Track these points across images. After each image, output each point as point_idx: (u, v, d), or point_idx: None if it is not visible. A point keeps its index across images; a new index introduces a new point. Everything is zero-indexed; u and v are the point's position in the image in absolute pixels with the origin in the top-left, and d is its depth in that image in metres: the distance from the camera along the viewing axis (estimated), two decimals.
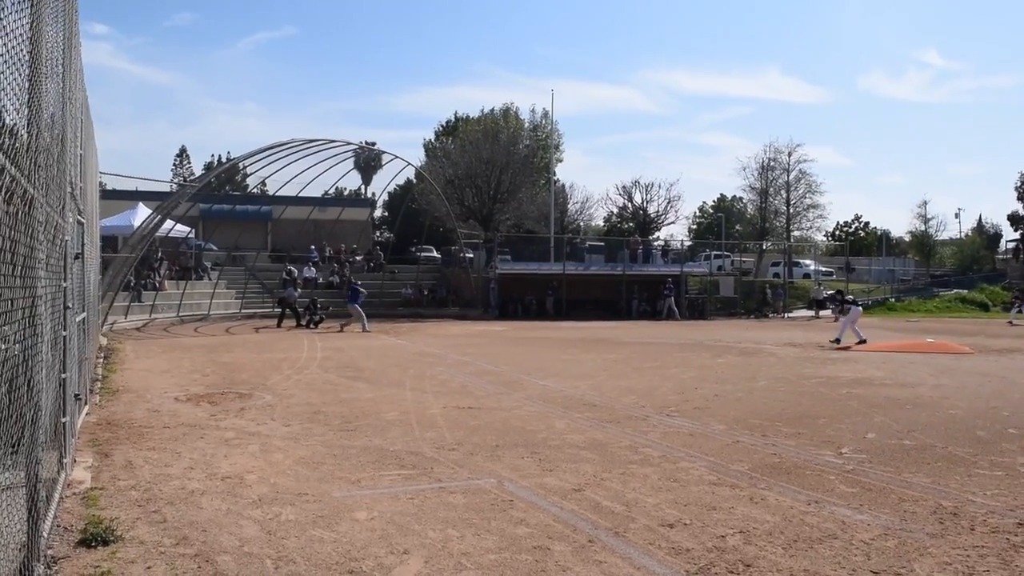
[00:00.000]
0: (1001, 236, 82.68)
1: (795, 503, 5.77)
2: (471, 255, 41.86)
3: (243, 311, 33.60)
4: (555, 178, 59.17)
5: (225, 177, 44.74)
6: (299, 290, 31.29)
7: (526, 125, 66.06)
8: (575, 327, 29.49)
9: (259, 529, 5.09)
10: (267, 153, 30.35)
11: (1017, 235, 73.92)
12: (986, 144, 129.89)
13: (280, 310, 28.98)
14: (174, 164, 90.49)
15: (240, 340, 21.86)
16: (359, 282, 29.42)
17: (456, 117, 70.98)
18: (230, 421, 9.07)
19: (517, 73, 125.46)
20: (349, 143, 35.46)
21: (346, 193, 77.28)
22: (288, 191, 36.66)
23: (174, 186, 59.89)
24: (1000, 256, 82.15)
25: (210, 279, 35.09)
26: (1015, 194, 72.44)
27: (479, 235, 45.73)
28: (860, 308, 23.06)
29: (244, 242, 40.53)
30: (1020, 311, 35.76)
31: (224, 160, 72.66)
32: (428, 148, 67.71)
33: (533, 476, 6.51)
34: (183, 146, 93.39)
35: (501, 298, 38.08)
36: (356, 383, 12.57)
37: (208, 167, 77.85)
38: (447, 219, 44.26)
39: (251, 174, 42.23)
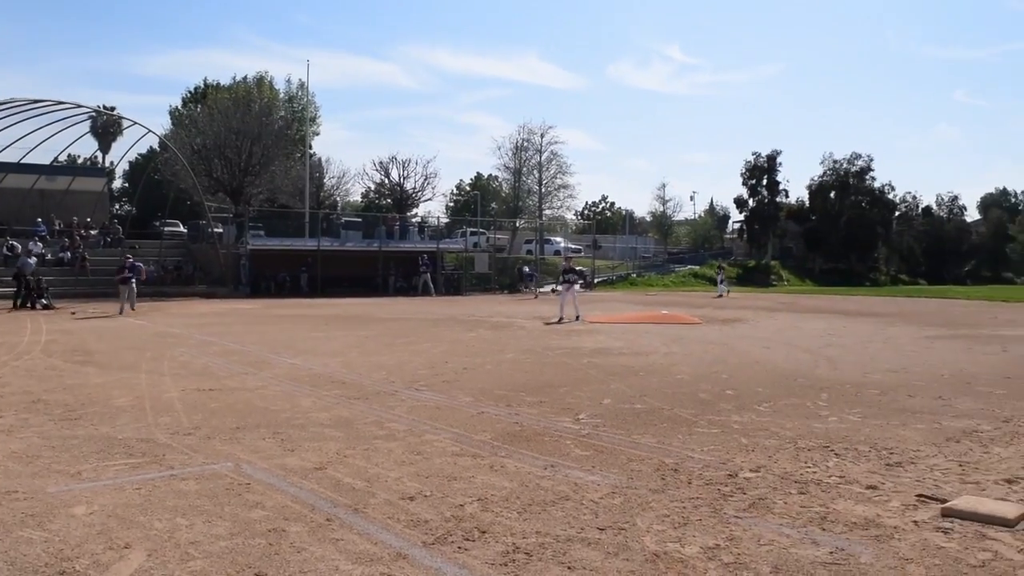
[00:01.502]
0: (729, 217, 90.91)
1: (533, 469, 5.97)
2: (220, 230, 39.95)
3: None
4: (311, 152, 57.78)
5: None
6: (33, 259, 28.06)
7: (281, 95, 63.91)
8: (330, 304, 28.99)
9: None
10: None
11: (742, 217, 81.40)
12: (719, 134, 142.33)
13: (16, 287, 25.98)
14: None
15: None
16: (131, 258, 26.50)
17: (206, 84, 67.33)
18: None
19: (273, 40, 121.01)
20: (82, 106, 32.60)
21: (80, 161, 71.13)
22: (8, 157, 33.08)
23: None
24: (728, 235, 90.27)
25: None
26: (740, 180, 79.63)
27: (229, 209, 43.72)
28: (573, 285, 22.74)
29: None
30: (723, 282, 40.55)
31: None
32: (174, 115, 63.80)
33: (273, 457, 6.29)
34: None
35: (253, 275, 36.72)
36: (85, 368, 11.60)
37: None
38: (194, 192, 41.94)
39: None
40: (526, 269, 43.69)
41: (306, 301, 31.29)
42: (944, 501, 5.16)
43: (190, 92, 67.94)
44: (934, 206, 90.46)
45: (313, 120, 64.40)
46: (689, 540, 4.46)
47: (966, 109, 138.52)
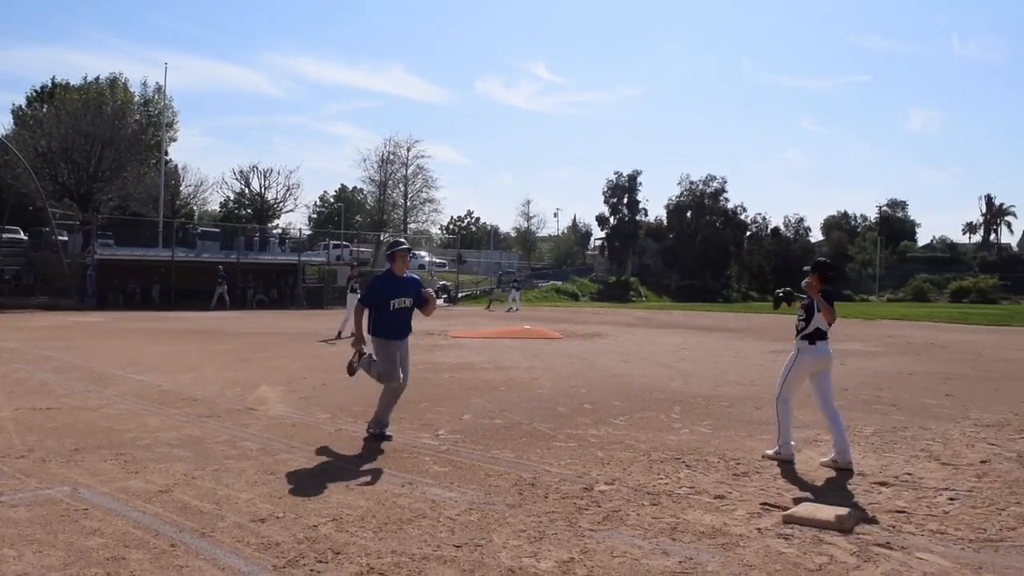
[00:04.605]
0: (591, 234, 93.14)
1: (390, 487, 5.89)
2: (65, 238, 37.77)
3: None
4: (167, 158, 55.52)
5: None
6: None
7: (136, 99, 61.05)
8: (184, 317, 27.87)
9: None
10: None
11: (603, 234, 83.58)
12: (583, 152, 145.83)
13: None
14: None
15: None
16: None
17: (54, 83, 63.45)
18: None
19: (128, 41, 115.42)
20: None
21: None
22: None
23: None
24: (590, 252, 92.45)
25: None
26: (602, 198, 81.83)
27: (76, 216, 41.45)
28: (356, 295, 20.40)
29: None
30: (515, 298, 40.79)
31: None
32: (17, 115, 59.82)
33: (115, 480, 5.95)
34: None
35: (100, 286, 34.83)
36: None
37: None
38: (36, 197, 39.49)
39: None
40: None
41: (158, 314, 29.95)
42: (786, 509, 5.41)
43: (36, 91, 64.00)
44: (782, 227, 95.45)
45: (170, 125, 61.86)
46: (544, 555, 4.50)
47: (812, 136, 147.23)
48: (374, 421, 7.75)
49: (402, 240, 8.50)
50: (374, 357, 7.68)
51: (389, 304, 7.60)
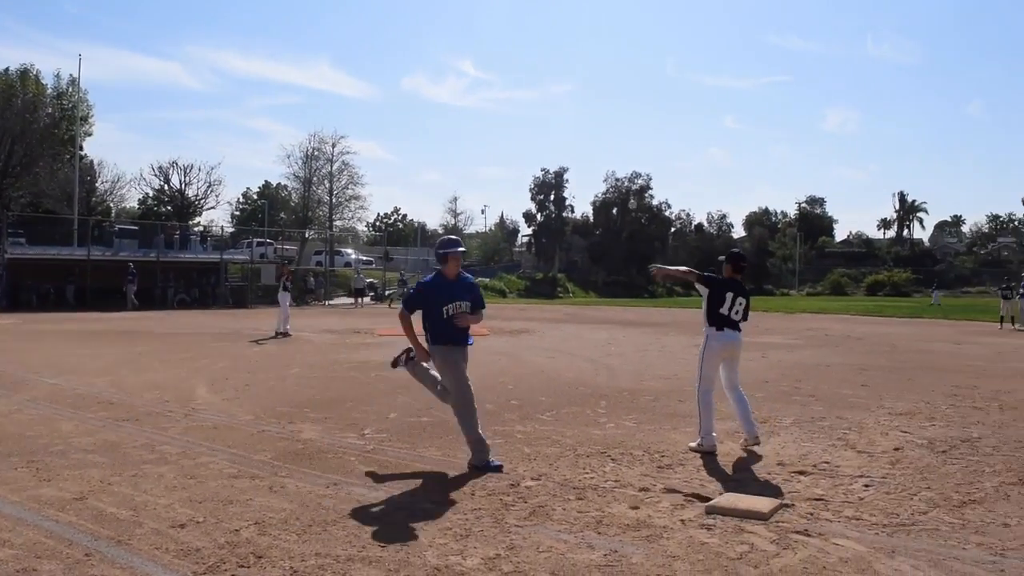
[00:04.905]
0: (518, 231, 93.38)
1: (314, 488, 5.81)
2: None
3: None
4: (82, 153, 53.68)
5: None
6: None
7: (49, 91, 58.82)
8: (100, 318, 27.06)
9: None
10: None
11: (530, 231, 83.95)
12: (510, 149, 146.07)
13: None
14: None
15: None
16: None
17: None
18: None
19: (40, 30, 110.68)
20: None
21: None
22: None
23: None
24: (517, 249, 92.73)
25: None
26: (530, 195, 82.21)
27: None
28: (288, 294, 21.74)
29: None
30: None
31: None
32: None
33: (26, 489, 5.73)
34: None
35: (12, 287, 33.60)
36: None
37: None
38: None
39: None
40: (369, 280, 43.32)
41: (74, 315, 29.01)
42: (708, 500, 5.51)
43: None
44: (706, 223, 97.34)
45: (85, 119, 59.66)
46: (470, 552, 4.49)
47: (734, 135, 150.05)
48: (472, 450, 6.57)
49: (456, 238, 7.25)
50: (435, 373, 6.79)
51: (442, 311, 6.59)
